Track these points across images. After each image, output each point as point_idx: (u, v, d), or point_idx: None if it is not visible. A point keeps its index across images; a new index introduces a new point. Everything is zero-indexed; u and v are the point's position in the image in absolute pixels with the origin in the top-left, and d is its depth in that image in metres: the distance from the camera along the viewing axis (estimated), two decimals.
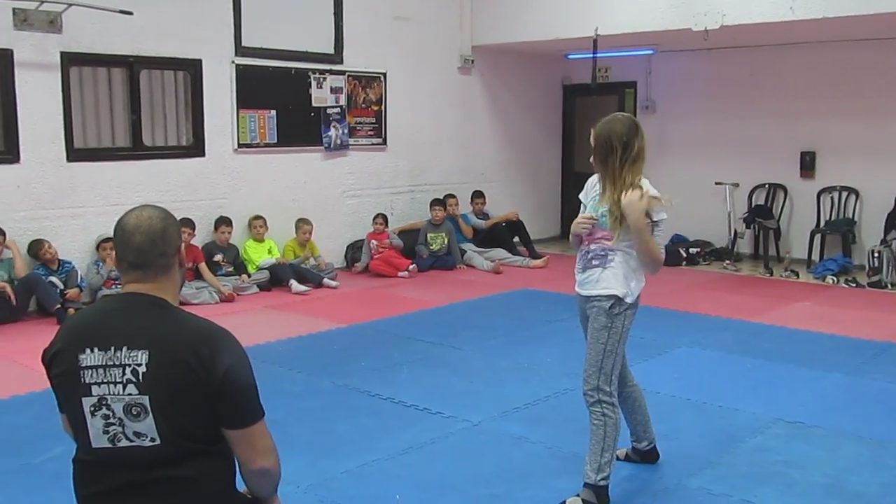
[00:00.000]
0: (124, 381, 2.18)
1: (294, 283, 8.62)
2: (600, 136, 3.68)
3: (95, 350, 2.21)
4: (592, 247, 3.77)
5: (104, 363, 2.20)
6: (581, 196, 3.94)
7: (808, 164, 10.58)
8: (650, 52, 11.30)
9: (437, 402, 5.21)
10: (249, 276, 8.71)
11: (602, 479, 3.71)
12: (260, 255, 9.00)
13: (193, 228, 8.38)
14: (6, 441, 4.58)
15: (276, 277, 8.78)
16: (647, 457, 4.24)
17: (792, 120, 10.60)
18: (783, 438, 4.65)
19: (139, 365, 2.18)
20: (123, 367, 2.18)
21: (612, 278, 3.69)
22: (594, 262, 3.73)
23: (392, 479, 4.11)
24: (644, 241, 3.62)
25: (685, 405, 5.21)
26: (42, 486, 3.97)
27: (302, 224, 9.32)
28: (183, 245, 2.39)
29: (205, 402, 2.20)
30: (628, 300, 3.69)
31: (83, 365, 2.21)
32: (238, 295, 8.39)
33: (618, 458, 4.24)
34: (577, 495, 3.74)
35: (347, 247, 10.16)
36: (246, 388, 2.26)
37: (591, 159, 3.75)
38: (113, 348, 2.20)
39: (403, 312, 7.80)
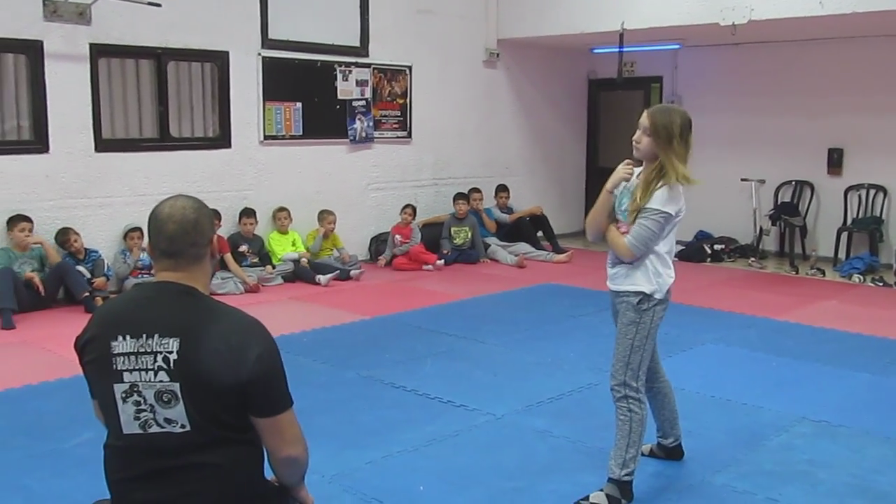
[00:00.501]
0: (155, 367, 2.21)
1: (321, 277, 8.65)
2: (661, 124, 3.56)
3: (127, 337, 2.23)
4: None
5: (136, 350, 2.22)
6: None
7: (835, 161, 10.48)
8: (677, 46, 11.23)
9: (460, 394, 5.22)
10: (274, 267, 8.76)
11: (626, 474, 3.71)
12: (284, 247, 9.04)
13: (220, 219, 8.43)
14: (36, 426, 4.64)
15: (301, 276, 8.81)
16: (672, 453, 4.23)
17: (820, 116, 10.51)
18: (808, 437, 4.63)
19: (170, 352, 2.20)
20: (155, 354, 2.21)
21: (641, 274, 3.67)
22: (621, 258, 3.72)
23: (416, 470, 4.13)
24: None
25: (709, 402, 5.19)
26: (71, 471, 4.02)
27: (326, 215, 9.34)
28: (215, 236, 2.41)
29: (234, 389, 2.22)
30: (657, 296, 3.67)
31: (115, 352, 2.24)
32: (263, 286, 8.43)
33: (642, 454, 4.24)
34: (601, 490, 3.74)
35: (371, 239, 10.19)
36: (275, 377, 2.29)
37: (639, 142, 3.62)
38: (145, 336, 2.22)
39: (427, 305, 7.82)
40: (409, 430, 4.65)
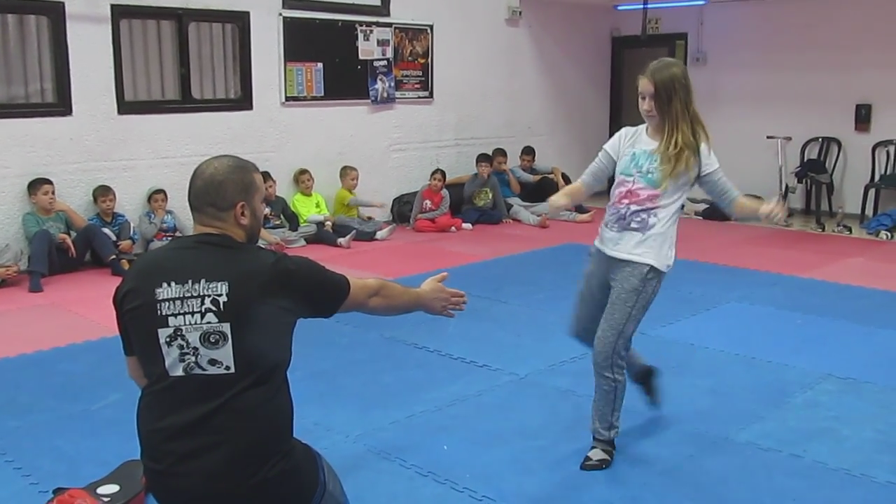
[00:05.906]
0: (203, 310, 2.29)
1: (341, 240, 8.67)
2: (662, 80, 3.49)
3: (172, 284, 2.32)
4: (633, 207, 3.63)
5: (181, 295, 2.30)
6: (608, 147, 3.79)
7: (863, 116, 10.34)
8: (702, 2, 11.07)
9: (483, 355, 5.23)
10: (295, 230, 8.79)
11: (614, 433, 3.78)
12: (308, 209, 9.05)
13: None
14: (64, 388, 4.70)
15: (323, 238, 8.83)
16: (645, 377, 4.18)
17: (847, 72, 10.34)
18: (834, 394, 4.61)
19: (219, 295, 2.29)
20: (202, 297, 2.29)
21: (652, 245, 3.60)
22: (633, 226, 3.62)
23: (439, 430, 4.15)
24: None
25: (733, 360, 5.17)
26: (100, 432, 4.07)
27: (349, 171, 9.37)
28: (241, 204, 2.44)
29: (285, 318, 2.37)
30: (664, 269, 3.64)
31: (160, 298, 2.31)
32: (286, 247, 8.45)
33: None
34: (596, 448, 3.78)
35: (394, 200, 10.17)
36: (317, 270, 2.50)
37: (645, 106, 3.56)
38: (190, 281, 2.31)
39: (449, 266, 7.80)
40: (433, 390, 4.67)
